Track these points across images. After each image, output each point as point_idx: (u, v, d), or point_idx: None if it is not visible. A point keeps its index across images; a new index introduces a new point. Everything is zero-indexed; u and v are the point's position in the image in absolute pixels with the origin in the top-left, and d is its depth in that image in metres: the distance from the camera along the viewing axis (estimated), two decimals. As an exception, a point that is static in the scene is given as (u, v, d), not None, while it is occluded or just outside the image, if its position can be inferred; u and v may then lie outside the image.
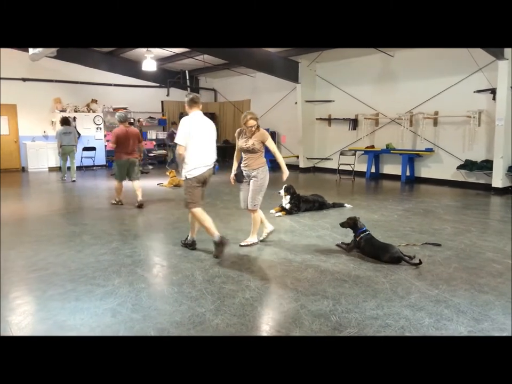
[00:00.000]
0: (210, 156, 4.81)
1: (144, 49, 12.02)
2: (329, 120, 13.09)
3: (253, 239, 5.24)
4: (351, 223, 4.92)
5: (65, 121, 11.23)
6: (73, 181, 11.14)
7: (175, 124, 13.70)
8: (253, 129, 4.91)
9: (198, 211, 4.77)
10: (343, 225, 5.04)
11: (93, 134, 14.24)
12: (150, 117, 16.07)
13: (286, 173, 5.14)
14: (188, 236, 5.13)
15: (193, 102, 4.73)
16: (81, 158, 13.61)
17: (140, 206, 7.47)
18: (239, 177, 5.15)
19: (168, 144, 14.15)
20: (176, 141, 4.69)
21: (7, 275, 4.18)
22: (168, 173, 10.52)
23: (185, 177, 4.73)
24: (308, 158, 13.38)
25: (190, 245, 5.04)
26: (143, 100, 15.81)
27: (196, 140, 4.63)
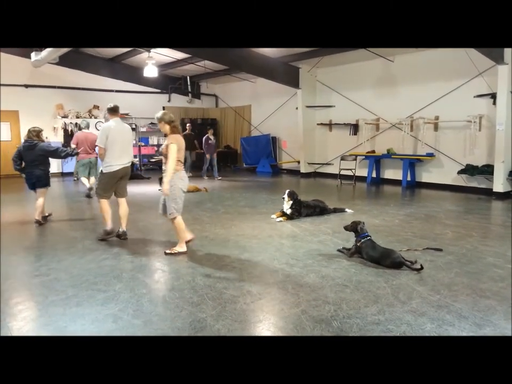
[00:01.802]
0: (125, 157, 5.60)
1: (145, 55, 12.08)
2: (330, 125, 13.11)
3: (180, 248, 5.04)
4: (354, 227, 4.93)
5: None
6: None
7: (211, 128, 13.34)
8: (162, 131, 5.09)
9: (104, 202, 5.66)
10: (346, 228, 5.06)
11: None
12: (152, 123, 16.11)
13: (164, 188, 4.80)
14: (119, 228, 5.69)
15: (113, 111, 5.61)
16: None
17: (90, 190, 8.52)
18: (160, 182, 5.32)
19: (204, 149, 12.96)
20: (96, 143, 5.68)
21: (9, 281, 4.19)
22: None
23: (101, 171, 5.59)
24: (308, 163, 13.39)
25: (109, 234, 5.66)
26: (145, 105, 15.86)
27: (113, 143, 5.43)
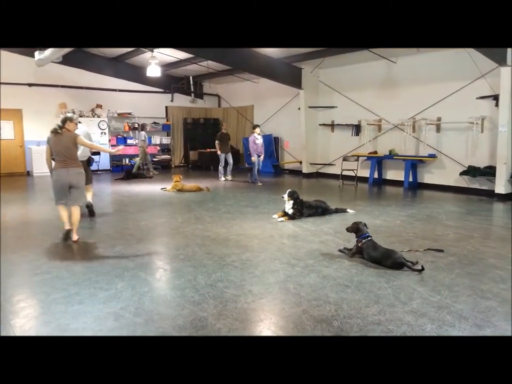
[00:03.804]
0: (81, 152, 6.41)
1: (148, 55, 12.11)
2: (332, 126, 13.11)
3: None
4: (355, 227, 4.94)
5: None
6: None
7: (258, 126, 11.69)
8: None
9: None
10: (348, 229, 5.06)
11: (97, 139, 14.26)
12: (154, 122, 16.16)
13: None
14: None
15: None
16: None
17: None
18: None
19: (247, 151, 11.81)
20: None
21: (11, 278, 4.21)
22: (172, 177, 10.57)
23: None
24: (311, 164, 13.39)
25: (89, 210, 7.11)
26: (148, 105, 15.91)
27: None
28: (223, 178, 12.29)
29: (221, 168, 12.42)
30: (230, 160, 12.35)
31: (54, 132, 5.46)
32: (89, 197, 7.13)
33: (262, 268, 4.55)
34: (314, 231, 6.14)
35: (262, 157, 11.62)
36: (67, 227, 5.60)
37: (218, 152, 12.30)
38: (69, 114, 5.69)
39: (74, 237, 5.54)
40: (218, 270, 4.44)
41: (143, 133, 13.80)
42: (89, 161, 7.22)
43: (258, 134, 11.51)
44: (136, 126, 15.64)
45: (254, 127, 11.69)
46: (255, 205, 8.27)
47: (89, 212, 7.16)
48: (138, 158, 13.97)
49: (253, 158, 11.41)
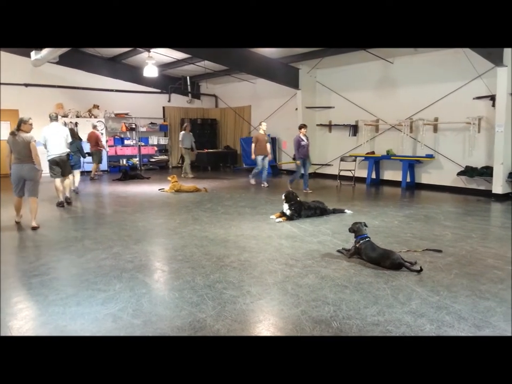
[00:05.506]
0: (59, 149, 8.02)
1: (145, 55, 12.09)
2: (329, 126, 13.12)
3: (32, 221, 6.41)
4: (353, 229, 4.94)
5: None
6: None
7: (305, 126, 10.11)
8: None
9: (57, 181, 8.19)
10: (349, 230, 5.06)
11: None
12: (152, 123, 16.13)
13: None
14: (65, 195, 8.35)
15: (51, 119, 8.21)
16: (83, 163, 13.60)
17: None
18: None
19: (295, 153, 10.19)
20: (39, 140, 7.50)
21: (8, 280, 4.19)
22: (169, 178, 10.54)
23: (47, 159, 8.04)
24: (308, 164, 13.40)
25: (61, 204, 8.14)
26: (145, 105, 15.87)
27: (50, 140, 7.97)
28: (263, 184, 11.06)
29: (256, 171, 11.24)
30: (266, 165, 11.14)
31: (12, 133, 6.32)
32: (67, 191, 8.50)
33: (260, 268, 4.54)
34: (312, 232, 6.14)
35: (308, 160, 10.29)
36: (17, 219, 6.64)
37: (253, 156, 11.06)
38: (25, 117, 6.43)
39: (33, 224, 6.35)
40: (216, 271, 4.43)
41: (182, 132, 13.44)
42: (68, 156, 8.36)
43: (304, 135, 10.01)
44: (134, 126, 15.59)
45: (301, 126, 10.07)
46: (253, 206, 8.26)
47: (67, 203, 8.36)
48: (185, 159, 13.70)
49: (297, 162, 10.09)
